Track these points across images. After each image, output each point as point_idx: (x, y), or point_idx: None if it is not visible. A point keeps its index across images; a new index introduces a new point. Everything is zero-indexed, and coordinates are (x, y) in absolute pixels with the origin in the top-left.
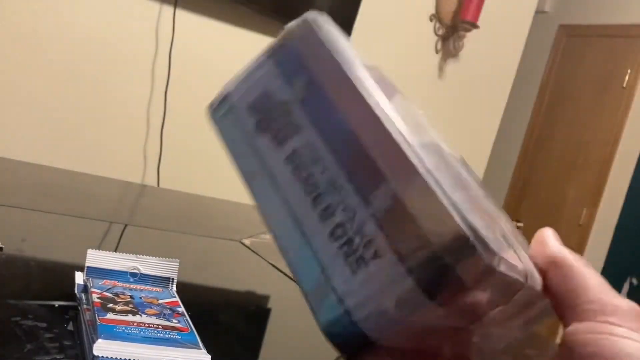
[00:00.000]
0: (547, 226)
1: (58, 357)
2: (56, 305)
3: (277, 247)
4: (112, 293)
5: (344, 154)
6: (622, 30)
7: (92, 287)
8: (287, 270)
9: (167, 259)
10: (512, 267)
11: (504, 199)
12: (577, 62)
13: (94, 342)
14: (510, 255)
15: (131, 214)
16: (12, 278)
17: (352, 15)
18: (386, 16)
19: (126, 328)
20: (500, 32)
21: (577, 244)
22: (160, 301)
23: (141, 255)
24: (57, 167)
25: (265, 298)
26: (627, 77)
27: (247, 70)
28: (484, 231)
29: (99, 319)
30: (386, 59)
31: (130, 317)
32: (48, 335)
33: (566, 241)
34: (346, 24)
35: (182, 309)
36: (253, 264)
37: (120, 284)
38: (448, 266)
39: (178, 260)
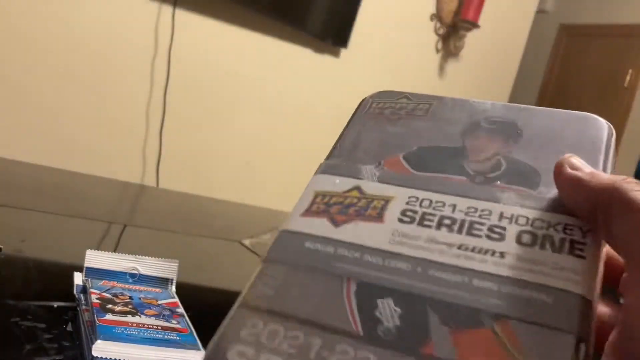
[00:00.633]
0: None
1: (57, 357)
2: (55, 305)
3: None
4: (111, 294)
5: None
6: (623, 30)
7: (91, 287)
8: None
9: (166, 259)
10: None
11: None
12: (578, 62)
13: (93, 342)
14: None
15: (130, 214)
16: (11, 278)
17: (352, 15)
18: (386, 16)
19: (125, 329)
20: (501, 32)
21: None
22: (160, 302)
23: (140, 256)
24: (56, 167)
25: None
26: (628, 77)
27: None
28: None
29: (98, 319)
30: (386, 58)
31: (129, 318)
32: (47, 336)
33: None
34: (346, 24)
35: (181, 309)
36: (253, 264)
37: (120, 285)
38: None
39: (177, 261)
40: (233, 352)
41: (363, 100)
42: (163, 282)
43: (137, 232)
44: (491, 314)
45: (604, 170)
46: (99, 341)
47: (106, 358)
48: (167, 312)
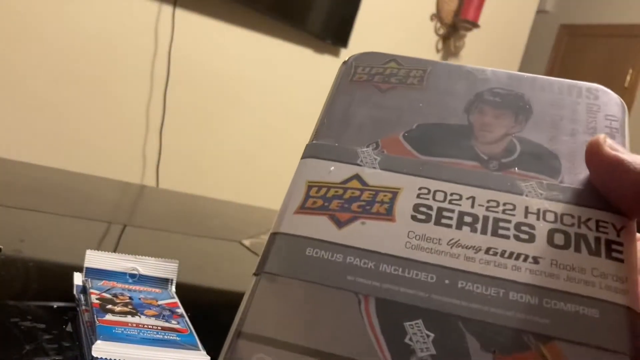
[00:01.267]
0: None
1: (57, 358)
2: (55, 306)
3: None
4: (111, 294)
5: None
6: (624, 30)
7: (91, 288)
8: None
9: (166, 259)
10: None
11: None
12: (578, 62)
13: (92, 343)
14: None
15: (130, 214)
16: (10, 279)
17: (352, 15)
18: (386, 15)
19: (125, 329)
20: (501, 32)
21: None
22: (160, 302)
23: (140, 256)
24: (55, 167)
25: None
26: (628, 77)
27: None
28: None
29: (97, 320)
30: None
31: (129, 319)
32: (47, 336)
33: None
34: (346, 24)
35: (181, 310)
36: (253, 264)
37: (119, 285)
38: None
39: (177, 261)
40: None
41: (344, 62)
42: (163, 282)
43: (137, 232)
44: (536, 335)
45: None
46: (98, 341)
47: (106, 358)
48: (167, 313)
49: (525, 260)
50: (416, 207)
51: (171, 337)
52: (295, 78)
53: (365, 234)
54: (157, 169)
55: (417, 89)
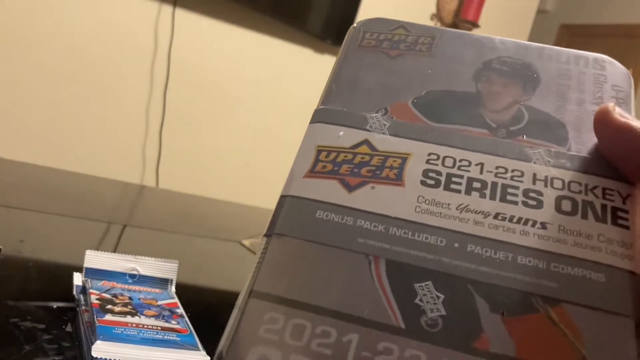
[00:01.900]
0: None
1: (57, 358)
2: (54, 306)
3: None
4: (110, 294)
5: None
6: (624, 30)
7: (91, 288)
8: None
9: (166, 260)
10: None
11: None
12: None
13: (92, 343)
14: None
15: (130, 214)
16: (10, 279)
17: (352, 14)
18: (386, 15)
19: (125, 329)
20: (501, 32)
21: None
22: (159, 302)
23: (140, 256)
24: (55, 167)
25: None
26: None
27: None
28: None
29: (97, 320)
30: None
31: (129, 319)
32: (47, 336)
33: None
34: (346, 24)
35: (181, 310)
36: (253, 264)
37: (119, 285)
38: None
39: (177, 261)
40: (254, 356)
41: (352, 28)
42: (163, 282)
43: (136, 232)
44: (544, 298)
45: None
46: (98, 342)
47: (106, 359)
48: (166, 313)
49: (533, 225)
50: (425, 173)
51: (171, 338)
52: (296, 78)
53: (375, 198)
54: (156, 169)
55: (426, 55)
